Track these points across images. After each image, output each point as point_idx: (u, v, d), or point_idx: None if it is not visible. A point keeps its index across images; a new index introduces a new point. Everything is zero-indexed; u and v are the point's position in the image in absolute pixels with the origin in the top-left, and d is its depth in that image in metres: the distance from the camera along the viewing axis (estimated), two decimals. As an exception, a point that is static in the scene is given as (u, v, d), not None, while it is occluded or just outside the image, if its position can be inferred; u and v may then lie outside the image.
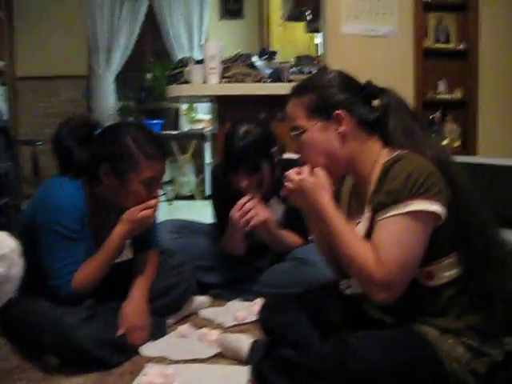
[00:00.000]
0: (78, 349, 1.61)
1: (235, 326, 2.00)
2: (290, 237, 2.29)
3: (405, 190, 1.23)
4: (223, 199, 2.31)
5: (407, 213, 1.24)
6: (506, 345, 1.32)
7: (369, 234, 1.32)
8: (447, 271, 1.31)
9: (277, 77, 3.10)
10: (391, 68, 3.42)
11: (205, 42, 6.19)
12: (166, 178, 5.56)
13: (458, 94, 3.76)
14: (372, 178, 1.35)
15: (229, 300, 2.28)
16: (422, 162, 1.27)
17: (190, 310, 2.11)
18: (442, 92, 3.75)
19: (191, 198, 5.57)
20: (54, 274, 1.71)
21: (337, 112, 1.37)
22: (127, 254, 2.02)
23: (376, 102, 1.42)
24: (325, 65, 3.30)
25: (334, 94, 1.39)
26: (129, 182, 1.75)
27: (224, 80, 3.01)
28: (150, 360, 1.71)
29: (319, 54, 4.17)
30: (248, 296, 2.26)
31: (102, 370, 1.63)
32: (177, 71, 3.21)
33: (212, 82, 2.97)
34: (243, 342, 1.66)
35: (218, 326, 1.99)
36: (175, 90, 3.16)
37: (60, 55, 6.05)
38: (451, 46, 3.77)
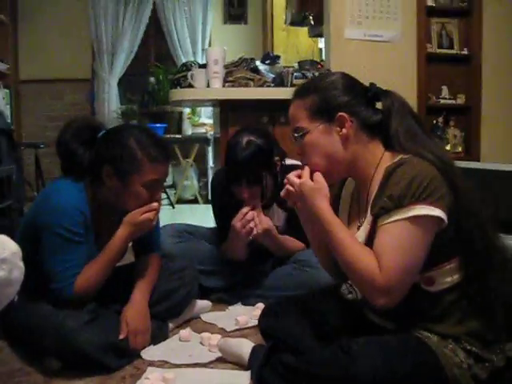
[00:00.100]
0: (80, 352, 1.61)
1: (236, 330, 2.00)
2: (293, 242, 2.29)
3: (407, 194, 1.23)
4: (223, 207, 2.31)
5: (410, 218, 1.23)
6: (508, 351, 1.31)
7: (370, 238, 1.32)
8: (448, 277, 1.31)
9: (280, 81, 3.09)
10: (394, 73, 3.41)
11: (208, 46, 6.21)
12: (168, 181, 5.59)
13: (461, 100, 3.75)
14: (374, 181, 1.35)
15: (230, 304, 2.28)
16: (424, 167, 1.26)
17: (191, 314, 2.10)
18: (445, 97, 3.75)
19: (194, 201, 5.58)
20: (55, 277, 1.70)
21: (339, 114, 1.37)
22: (129, 258, 2.01)
23: (379, 104, 1.41)
24: (328, 69, 3.29)
25: (336, 95, 1.39)
26: (131, 184, 1.75)
27: (227, 84, 3.00)
28: (152, 364, 1.71)
29: (323, 58, 4.17)
30: (249, 300, 2.26)
31: (103, 374, 1.63)
32: (180, 75, 3.21)
33: (215, 86, 2.97)
34: (244, 347, 1.65)
35: (220, 331, 1.99)
36: (178, 93, 3.15)
37: (63, 58, 6.06)
38: (454, 51, 3.76)
